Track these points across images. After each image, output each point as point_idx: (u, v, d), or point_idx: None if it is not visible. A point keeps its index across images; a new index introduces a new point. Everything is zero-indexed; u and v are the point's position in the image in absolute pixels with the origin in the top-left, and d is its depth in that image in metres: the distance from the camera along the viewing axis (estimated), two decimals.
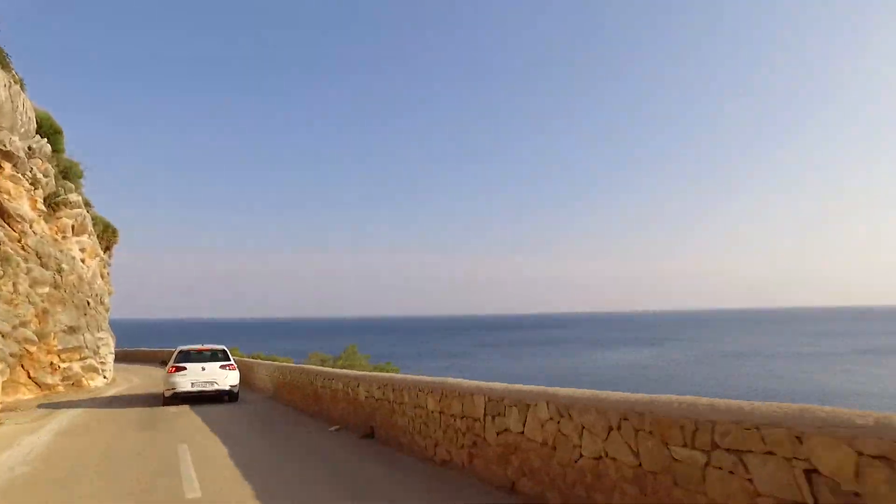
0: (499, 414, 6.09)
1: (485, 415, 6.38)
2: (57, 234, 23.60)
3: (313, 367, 14.71)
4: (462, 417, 6.93)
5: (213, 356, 16.74)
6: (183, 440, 10.08)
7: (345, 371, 12.19)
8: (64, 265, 22.51)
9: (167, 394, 15.76)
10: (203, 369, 16.04)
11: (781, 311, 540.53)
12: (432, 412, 7.77)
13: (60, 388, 20.52)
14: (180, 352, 16.73)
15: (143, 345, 62.41)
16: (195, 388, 15.74)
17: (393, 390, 9.21)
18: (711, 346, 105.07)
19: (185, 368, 15.90)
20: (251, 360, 24.64)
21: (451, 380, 7.58)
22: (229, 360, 16.97)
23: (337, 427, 11.23)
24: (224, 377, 16.29)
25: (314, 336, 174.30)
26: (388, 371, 25.86)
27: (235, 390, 16.69)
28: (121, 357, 41.72)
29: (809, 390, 49.13)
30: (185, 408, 15.06)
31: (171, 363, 16.25)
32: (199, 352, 16.82)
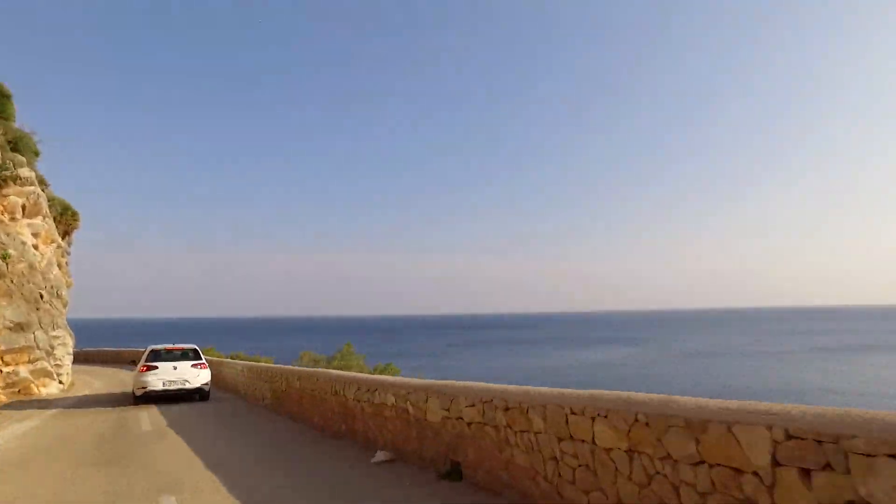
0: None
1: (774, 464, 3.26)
2: (3, 214, 19.87)
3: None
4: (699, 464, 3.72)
5: (185, 355, 16.57)
6: (168, 489, 6.56)
7: (400, 379, 8.53)
8: (11, 250, 18.89)
9: (138, 392, 15.56)
10: (175, 368, 15.93)
11: (743, 310, 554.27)
12: (608, 450, 4.46)
13: (1, 397, 16.74)
14: (151, 351, 16.44)
15: (110, 346, 57.54)
16: (167, 388, 15.66)
17: (505, 410, 5.77)
18: (675, 345, 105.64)
19: (156, 367, 15.75)
20: (233, 360, 21.46)
21: (637, 395, 4.50)
22: (201, 359, 16.84)
23: (386, 457, 7.91)
24: (196, 376, 16.21)
25: (284, 335, 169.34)
26: (389, 373, 22.59)
27: (207, 388, 16.57)
28: (82, 358, 37.36)
29: (758, 386, 48.91)
30: (165, 428, 11.37)
31: (141, 362, 16.14)
32: (170, 351, 16.58)
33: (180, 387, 15.80)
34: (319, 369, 12.30)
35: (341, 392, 10.08)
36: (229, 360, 22.36)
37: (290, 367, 14.99)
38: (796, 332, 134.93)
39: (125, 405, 15.42)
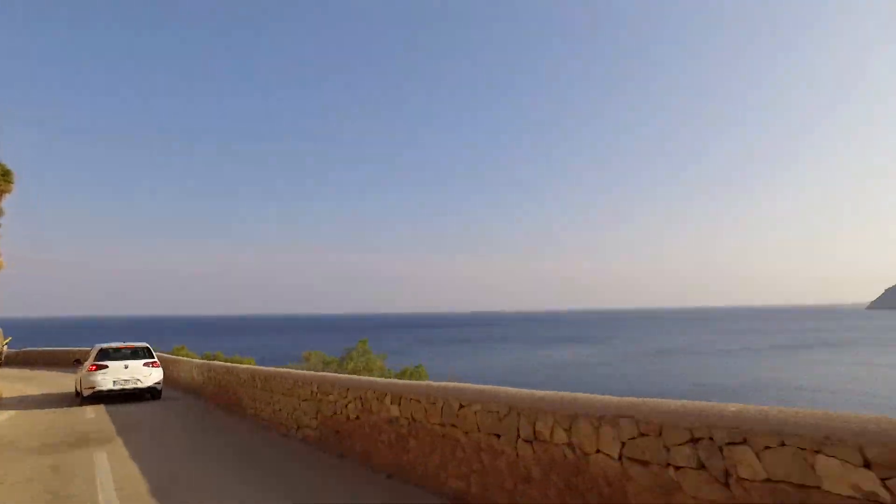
0: None
1: None
2: None
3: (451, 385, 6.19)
4: None
5: (136, 354, 16.09)
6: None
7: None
8: None
9: (86, 393, 14.93)
10: (126, 367, 15.46)
11: (702, 310, 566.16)
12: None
13: None
14: (101, 350, 15.86)
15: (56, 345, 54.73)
16: (117, 387, 15.18)
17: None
18: (639, 344, 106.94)
19: (106, 367, 15.24)
20: (185, 359, 20.14)
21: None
22: (153, 357, 16.36)
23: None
24: (147, 375, 15.73)
25: (252, 334, 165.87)
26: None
27: (159, 387, 16.09)
28: (18, 360, 33.72)
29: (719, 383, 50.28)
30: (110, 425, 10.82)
31: (90, 361, 15.47)
32: (121, 349, 16.03)
33: (134, 385, 15.41)
34: (270, 368, 11.87)
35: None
36: (184, 358, 21.16)
37: (237, 365, 14.64)
38: (757, 331, 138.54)
39: (65, 418, 12.66)
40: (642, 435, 3.62)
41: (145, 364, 15.76)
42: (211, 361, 17.30)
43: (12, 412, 13.61)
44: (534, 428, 4.52)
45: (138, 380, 15.49)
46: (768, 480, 2.93)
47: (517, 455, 4.67)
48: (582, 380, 54.03)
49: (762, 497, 2.97)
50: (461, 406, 5.36)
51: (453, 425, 5.48)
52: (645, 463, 3.60)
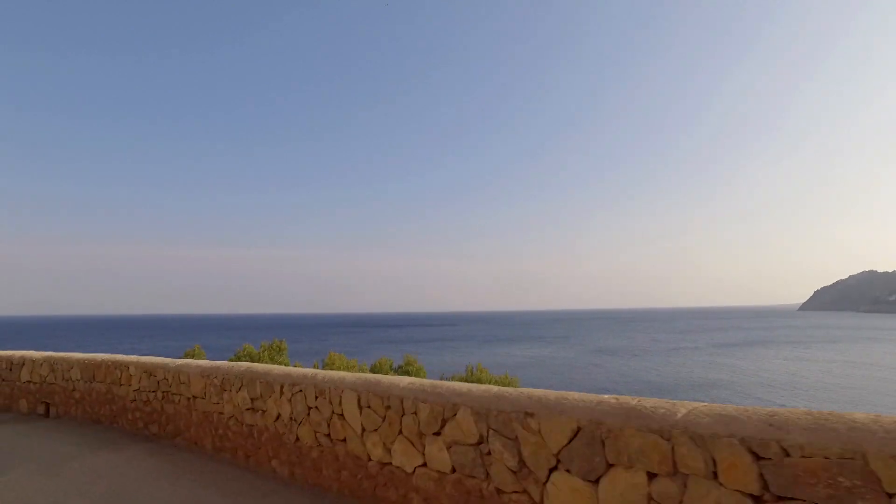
0: None
1: None
2: None
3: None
4: None
5: None
6: None
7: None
8: None
9: None
10: None
11: (652, 311, 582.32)
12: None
13: None
14: None
15: None
16: None
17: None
18: (591, 343, 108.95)
19: None
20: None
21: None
22: None
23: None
24: None
25: (171, 334, 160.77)
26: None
27: None
28: None
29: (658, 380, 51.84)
30: None
31: None
32: None
33: None
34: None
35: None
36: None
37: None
38: (700, 330, 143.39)
39: None
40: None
41: None
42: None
43: None
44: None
45: None
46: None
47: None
48: (533, 376, 54.64)
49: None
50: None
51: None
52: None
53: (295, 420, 5.18)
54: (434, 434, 3.88)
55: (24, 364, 9.56)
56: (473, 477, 3.61)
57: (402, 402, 4.14)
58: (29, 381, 9.45)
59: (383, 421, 4.29)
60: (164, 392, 7.10)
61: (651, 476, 2.74)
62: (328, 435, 4.81)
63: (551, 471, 3.19)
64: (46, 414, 9.11)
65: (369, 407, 4.42)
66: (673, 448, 2.66)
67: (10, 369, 9.77)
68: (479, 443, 3.58)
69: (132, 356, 8.02)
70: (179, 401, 6.82)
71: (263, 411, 5.58)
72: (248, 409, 5.79)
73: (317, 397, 4.95)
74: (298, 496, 4.77)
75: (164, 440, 7.03)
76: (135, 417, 7.56)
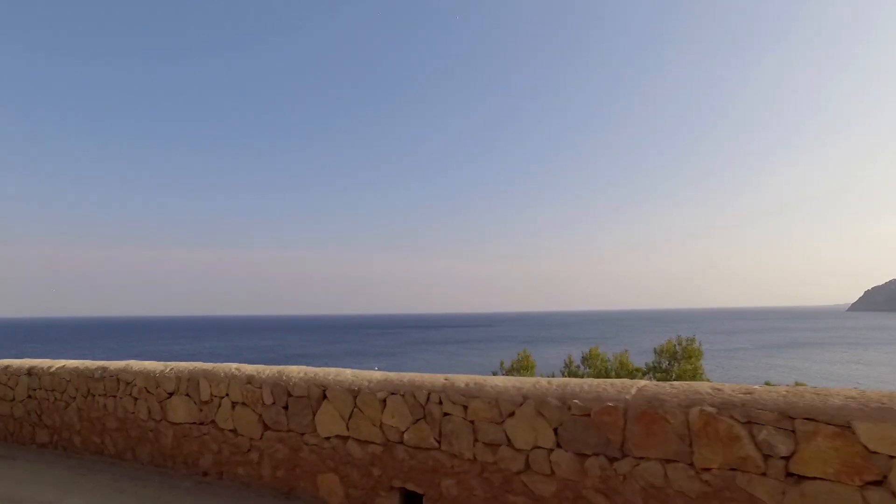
0: None
1: None
2: None
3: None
4: None
5: None
6: None
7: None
8: None
9: None
10: None
11: (687, 311, 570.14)
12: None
13: None
14: None
15: None
16: None
17: None
18: (634, 344, 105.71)
19: None
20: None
21: None
22: None
23: None
24: None
25: (224, 336, 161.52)
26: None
27: None
28: None
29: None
30: None
31: None
32: None
33: None
34: None
35: None
36: None
37: None
38: (743, 332, 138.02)
39: None
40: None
41: None
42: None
43: None
44: None
45: None
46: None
47: None
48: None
49: None
50: None
51: None
52: None
53: None
54: None
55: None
56: None
57: None
58: None
59: None
60: None
61: None
62: None
63: None
64: None
65: None
66: None
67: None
68: None
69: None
70: None
71: None
72: None
73: None
74: None
75: None
76: None
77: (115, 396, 5.85)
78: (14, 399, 6.88)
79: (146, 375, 5.61)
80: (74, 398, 6.24)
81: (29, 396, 6.74)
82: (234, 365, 5.15)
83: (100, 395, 6.00)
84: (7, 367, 7.08)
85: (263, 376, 4.80)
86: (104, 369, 6.03)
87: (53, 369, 6.55)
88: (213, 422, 5.05)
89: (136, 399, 5.66)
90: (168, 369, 5.50)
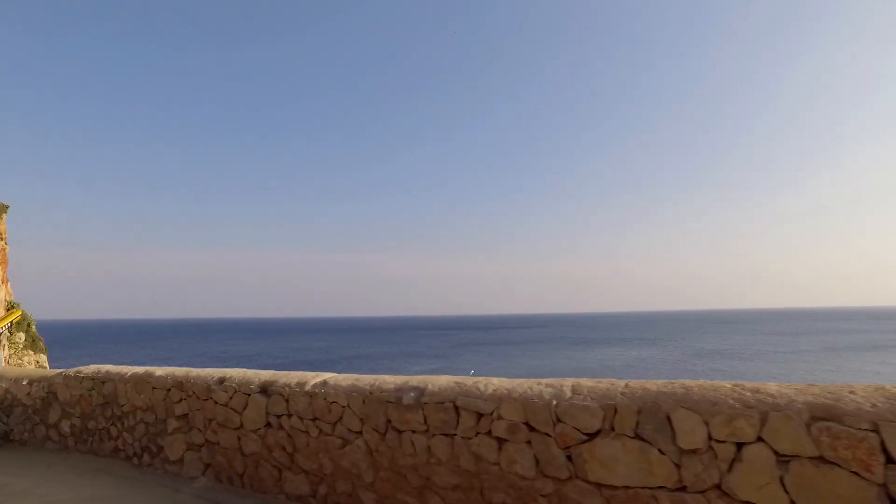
0: None
1: None
2: None
3: None
4: None
5: None
6: None
7: None
8: None
9: None
10: None
11: (731, 312, 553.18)
12: None
13: None
14: None
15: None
16: None
17: None
18: (689, 345, 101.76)
19: None
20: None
21: None
22: None
23: None
24: None
25: (293, 336, 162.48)
26: None
27: None
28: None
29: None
30: None
31: None
32: None
33: None
34: None
35: None
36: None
37: None
38: (800, 333, 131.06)
39: None
40: None
41: None
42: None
43: None
44: None
45: None
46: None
47: None
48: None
49: None
50: None
51: None
52: None
53: None
54: None
55: None
56: None
57: None
58: None
59: None
60: None
61: None
62: None
63: None
64: None
65: None
66: None
67: None
68: None
69: None
70: None
71: None
72: None
73: None
74: None
75: None
76: None
77: (450, 435, 3.69)
78: (242, 427, 4.87)
79: (524, 402, 3.39)
80: (360, 433, 4.14)
81: (268, 425, 4.71)
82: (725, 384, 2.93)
83: (412, 431, 3.87)
84: (224, 379, 5.09)
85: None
86: (418, 390, 3.90)
87: (309, 387, 4.48)
88: (717, 487, 2.76)
89: (501, 441, 3.49)
90: (569, 389, 3.31)
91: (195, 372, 5.53)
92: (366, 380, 4.29)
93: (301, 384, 4.54)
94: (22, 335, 28.00)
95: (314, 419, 4.39)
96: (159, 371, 5.88)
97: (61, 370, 7.14)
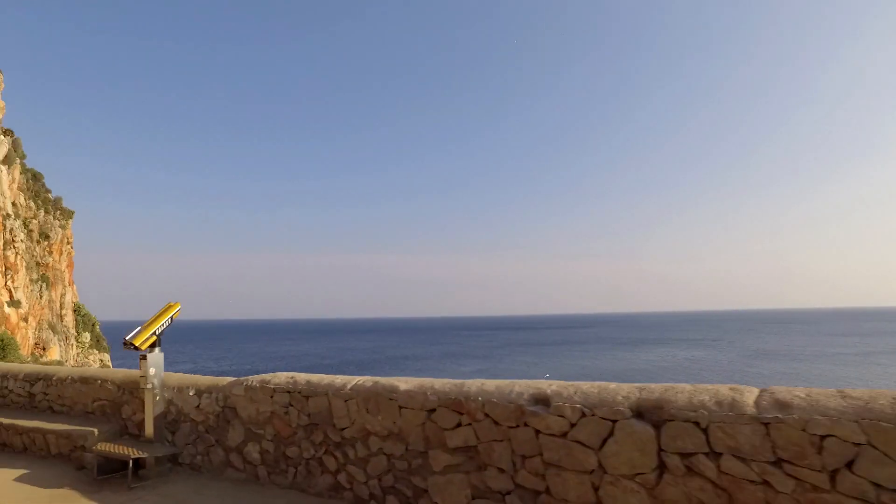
0: None
1: None
2: None
3: None
4: None
5: None
6: None
7: None
8: None
9: None
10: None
11: (780, 312, 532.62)
12: None
13: None
14: None
15: None
16: None
17: None
18: (745, 345, 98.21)
19: None
20: None
21: None
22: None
23: None
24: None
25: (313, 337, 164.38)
26: None
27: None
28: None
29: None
30: None
31: None
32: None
33: None
34: None
35: None
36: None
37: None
38: (864, 333, 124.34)
39: None
40: None
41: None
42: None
43: None
44: None
45: None
46: None
47: None
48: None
49: None
50: None
51: None
52: None
53: None
54: None
55: None
56: None
57: None
58: None
59: None
60: None
61: None
62: None
63: None
64: None
65: None
66: None
67: None
68: None
69: None
70: None
71: None
72: None
73: None
74: None
75: None
76: None
77: None
78: (602, 469, 3.37)
79: None
80: None
81: (662, 468, 3.15)
82: None
83: None
84: (545, 398, 3.64)
85: None
86: None
87: (750, 408, 2.92)
88: None
89: None
90: None
91: (491, 385, 3.98)
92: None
93: (728, 404, 2.99)
94: (87, 335, 28.54)
95: (777, 461, 2.82)
96: (405, 384, 4.37)
97: (239, 378, 5.60)
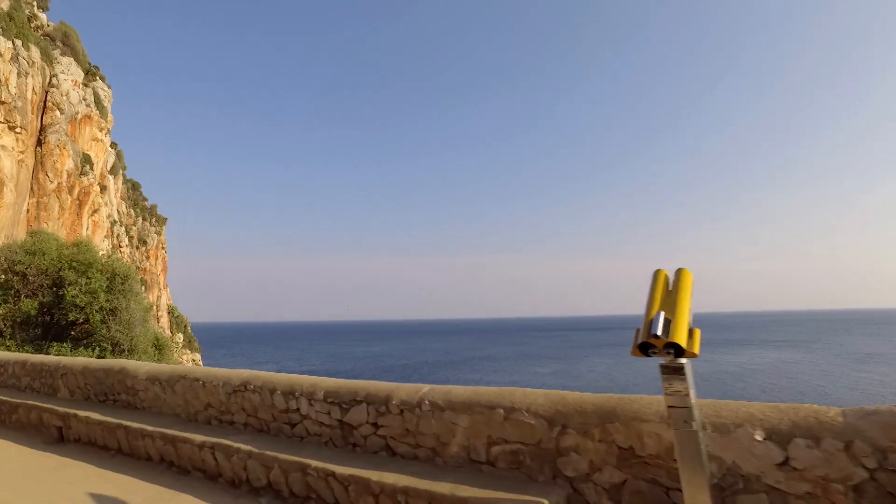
0: None
1: None
2: None
3: None
4: None
5: None
6: None
7: None
8: None
9: None
10: None
11: (842, 312, 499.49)
12: None
13: None
14: None
15: None
16: None
17: None
18: (844, 348, 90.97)
19: None
20: None
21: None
22: None
23: None
24: None
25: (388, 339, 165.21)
26: None
27: None
28: None
29: None
30: None
31: None
32: None
33: None
34: None
35: None
36: None
37: None
38: None
39: None
40: None
41: None
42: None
43: None
44: None
45: None
46: None
47: None
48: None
49: None
50: None
51: None
52: None
53: None
54: None
55: None
56: None
57: None
58: None
59: None
60: None
61: None
62: None
63: None
64: None
65: None
66: None
67: None
68: None
69: None
70: None
71: None
72: None
73: None
74: None
75: None
76: None
77: None
78: None
79: None
80: None
81: None
82: None
83: None
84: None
85: None
86: None
87: None
88: None
89: None
90: None
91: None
92: None
93: None
94: (181, 335, 28.73)
95: None
96: None
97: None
